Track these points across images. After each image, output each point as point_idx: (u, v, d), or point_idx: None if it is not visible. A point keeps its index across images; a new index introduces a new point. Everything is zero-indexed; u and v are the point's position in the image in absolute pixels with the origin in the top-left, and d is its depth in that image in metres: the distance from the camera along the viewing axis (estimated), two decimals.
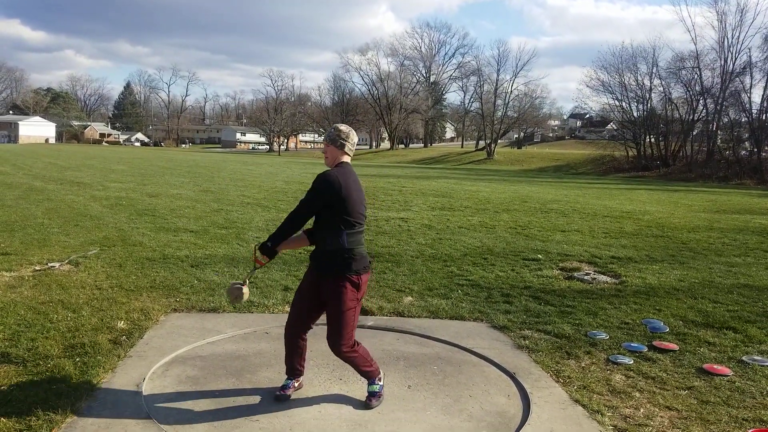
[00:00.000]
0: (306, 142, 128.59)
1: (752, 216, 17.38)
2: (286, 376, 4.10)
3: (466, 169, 57.25)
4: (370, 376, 3.99)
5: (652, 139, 58.61)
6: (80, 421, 3.51)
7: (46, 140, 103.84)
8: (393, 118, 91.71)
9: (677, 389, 4.40)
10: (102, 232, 10.12)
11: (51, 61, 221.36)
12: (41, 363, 4.29)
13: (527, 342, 5.30)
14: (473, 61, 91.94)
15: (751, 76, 51.24)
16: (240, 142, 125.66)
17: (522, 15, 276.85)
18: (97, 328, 5.16)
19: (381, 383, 4.04)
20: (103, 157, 44.83)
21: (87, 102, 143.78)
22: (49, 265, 7.42)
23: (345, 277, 3.72)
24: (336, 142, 3.85)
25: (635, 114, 61.04)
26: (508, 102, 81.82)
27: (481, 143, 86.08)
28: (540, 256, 9.32)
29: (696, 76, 54.62)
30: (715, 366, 4.86)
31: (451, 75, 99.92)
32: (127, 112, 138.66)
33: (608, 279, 7.98)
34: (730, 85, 52.12)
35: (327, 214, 3.72)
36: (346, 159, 3.88)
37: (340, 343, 3.76)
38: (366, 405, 3.92)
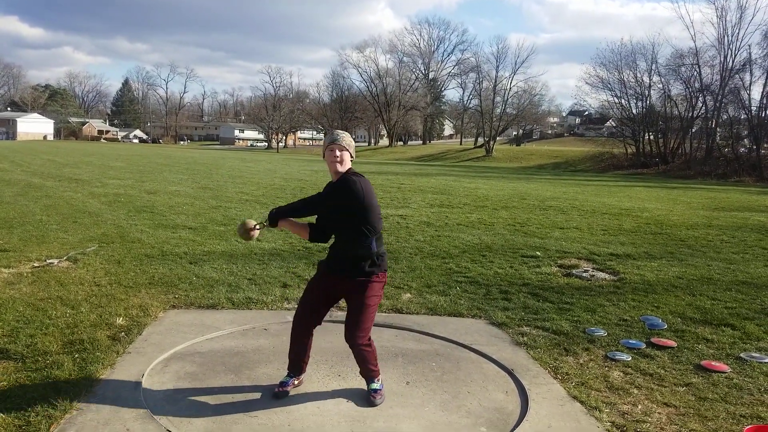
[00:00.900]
0: (304, 139, 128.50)
1: (751, 213, 17.40)
2: (286, 372, 4.11)
3: (464, 166, 57.27)
4: (373, 376, 3.99)
5: (651, 137, 58.59)
6: (79, 417, 3.51)
7: (45, 137, 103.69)
8: (391, 115, 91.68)
9: (675, 386, 4.41)
10: (100, 228, 10.11)
11: (49, 57, 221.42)
12: (40, 359, 4.30)
13: (525, 338, 5.31)
14: (472, 57, 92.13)
15: (750, 73, 51.18)
16: (238, 139, 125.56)
17: (521, 12, 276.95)
18: (96, 324, 5.17)
19: (381, 384, 4.05)
20: (101, 154, 44.79)
21: (85, 99, 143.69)
22: (48, 261, 7.42)
23: (374, 277, 3.85)
24: (351, 147, 3.90)
25: (634, 111, 61.01)
26: (507, 99, 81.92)
27: (480, 140, 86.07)
28: (538, 253, 9.32)
29: (695, 73, 54.62)
30: (713, 363, 4.87)
31: (450, 72, 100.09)
32: (125, 108, 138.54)
33: (607, 276, 7.98)
34: (730, 82, 52.03)
35: (349, 220, 3.78)
36: (349, 165, 3.90)
37: (359, 335, 3.80)
38: (370, 402, 3.91)
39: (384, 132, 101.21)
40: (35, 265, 7.26)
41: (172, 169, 28.96)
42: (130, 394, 3.84)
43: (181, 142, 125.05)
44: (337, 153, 3.80)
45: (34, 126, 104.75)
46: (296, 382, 4.11)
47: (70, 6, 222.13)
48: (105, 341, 4.76)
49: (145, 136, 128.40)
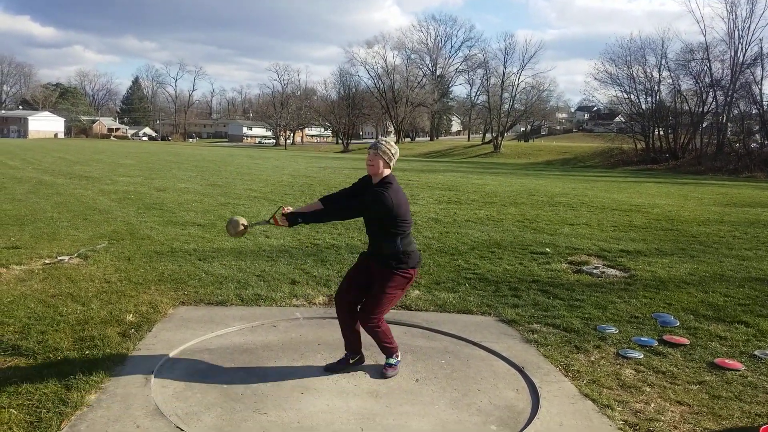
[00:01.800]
0: (312, 136, 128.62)
1: (763, 209, 17.24)
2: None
3: (472, 162, 57.12)
4: (390, 352, 4.30)
5: (661, 132, 58.14)
6: (90, 414, 3.51)
7: (55, 135, 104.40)
8: (399, 112, 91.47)
9: (688, 384, 4.36)
10: (111, 225, 10.15)
11: (60, 56, 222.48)
12: (51, 356, 4.31)
13: (536, 336, 5.27)
14: (480, 54, 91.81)
15: (762, 67, 50.69)
16: (246, 136, 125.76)
17: (527, 8, 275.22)
18: (107, 321, 5.18)
19: (399, 359, 4.37)
20: (111, 152, 45.00)
21: (95, 97, 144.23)
22: (59, 258, 7.45)
23: (399, 270, 4.12)
24: (386, 155, 4.11)
25: (644, 106, 60.56)
26: (515, 95, 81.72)
27: (488, 136, 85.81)
28: (548, 249, 9.27)
29: (705, 68, 54.14)
30: (726, 360, 4.82)
31: (457, 68, 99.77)
32: (134, 106, 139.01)
33: (617, 273, 7.93)
34: (741, 77, 51.55)
35: (377, 223, 4.11)
36: (388, 171, 4.15)
37: (369, 317, 4.10)
38: (382, 374, 4.25)
39: (391, 128, 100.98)
40: (46, 262, 7.29)
41: (181, 166, 29.05)
42: (139, 391, 3.84)
43: (190, 140, 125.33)
44: (370, 158, 4.10)
45: (45, 124, 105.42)
46: (351, 361, 4.40)
47: (81, 5, 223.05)
48: (115, 338, 4.77)
49: (154, 134, 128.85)
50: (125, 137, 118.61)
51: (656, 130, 58.33)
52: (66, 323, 5.05)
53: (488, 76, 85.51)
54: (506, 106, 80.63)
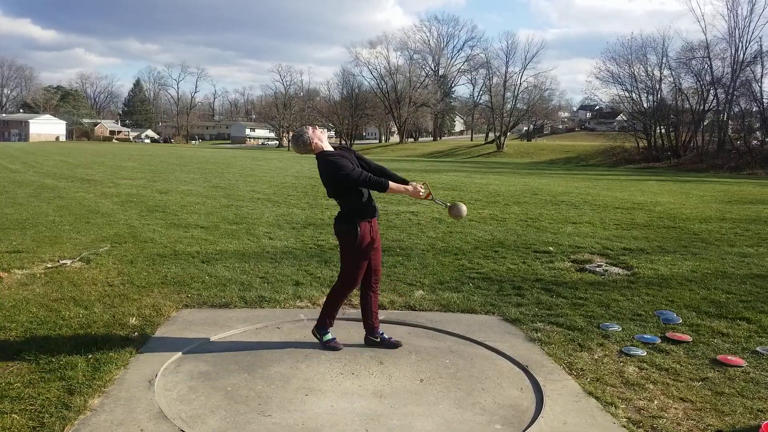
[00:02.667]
0: None
1: (765, 206, 17.22)
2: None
3: (475, 162, 57.10)
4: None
5: (663, 130, 58.09)
6: (93, 418, 3.52)
7: (57, 138, 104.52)
8: (402, 112, 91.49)
9: (691, 381, 4.36)
10: (113, 228, 10.16)
11: (61, 59, 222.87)
12: (54, 360, 4.30)
13: (539, 335, 5.27)
14: (482, 53, 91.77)
15: (762, 65, 50.68)
16: (249, 137, 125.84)
17: (529, 8, 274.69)
18: (109, 324, 5.18)
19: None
20: (113, 154, 45.07)
21: (97, 100, 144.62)
22: (61, 262, 7.46)
23: None
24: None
25: (645, 105, 60.51)
26: (518, 94, 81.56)
27: (491, 136, 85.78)
28: (551, 248, 9.27)
29: (706, 66, 54.09)
30: (729, 357, 4.81)
31: (459, 68, 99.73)
32: (136, 109, 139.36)
33: (620, 270, 7.92)
34: (741, 75, 51.56)
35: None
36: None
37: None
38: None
39: (395, 129, 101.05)
40: (48, 265, 7.30)
41: (183, 168, 29.08)
42: (143, 394, 3.85)
43: (193, 142, 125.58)
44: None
45: (47, 127, 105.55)
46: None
47: (82, 7, 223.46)
48: (118, 341, 4.77)
49: (156, 136, 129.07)
50: (127, 140, 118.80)
51: (658, 128, 58.27)
52: (68, 327, 5.06)
53: (490, 75, 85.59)
54: (509, 106, 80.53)
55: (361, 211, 4.63)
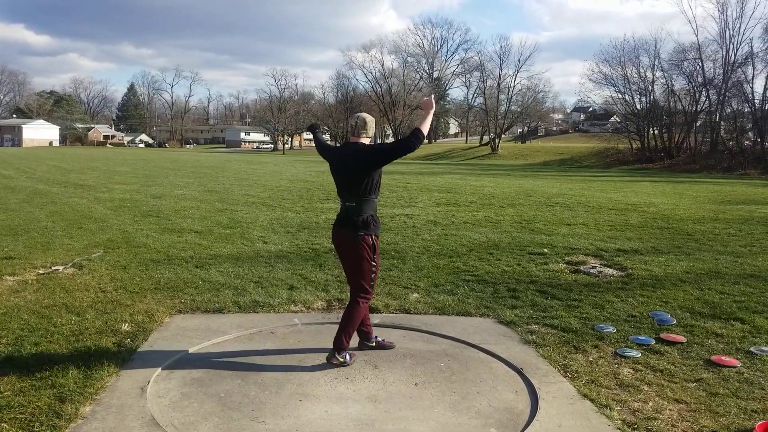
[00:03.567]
0: (310, 140, 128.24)
1: (757, 206, 17.28)
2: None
3: (470, 164, 57.17)
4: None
5: (656, 131, 58.38)
6: (84, 426, 3.48)
7: (50, 143, 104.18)
8: (397, 115, 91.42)
9: (686, 382, 4.36)
10: (106, 234, 10.11)
11: (55, 64, 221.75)
12: (45, 368, 4.26)
13: (534, 337, 5.26)
14: (476, 56, 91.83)
15: (753, 66, 51.14)
16: (244, 141, 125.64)
17: (521, 10, 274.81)
18: (102, 331, 5.15)
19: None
20: (107, 159, 44.92)
21: (91, 104, 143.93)
22: (53, 268, 7.41)
23: None
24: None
25: (638, 106, 60.78)
26: (511, 97, 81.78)
27: (485, 138, 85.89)
28: (546, 250, 9.27)
29: (698, 68, 54.49)
30: (723, 357, 4.81)
31: (453, 71, 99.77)
32: (131, 113, 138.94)
33: (614, 272, 7.93)
34: (733, 76, 51.92)
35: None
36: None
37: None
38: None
39: (389, 132, 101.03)
40: (40, 272, 7.26)
41: (178, 173, 29.01)
42: (135, 402, 3.82)
43: (187, 146, 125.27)
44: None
45: (40, 132, 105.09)
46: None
47: (76, 12, 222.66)
48: (110, 348, 4.74)
49: (151, 141, 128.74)
50: (121, 144, 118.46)
51: (651, 129, 58.56)
52: (60, 334, 5.02)
53: (484, 78, 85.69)
54: (503, 108, 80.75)
55: (376, 213, 4.61)
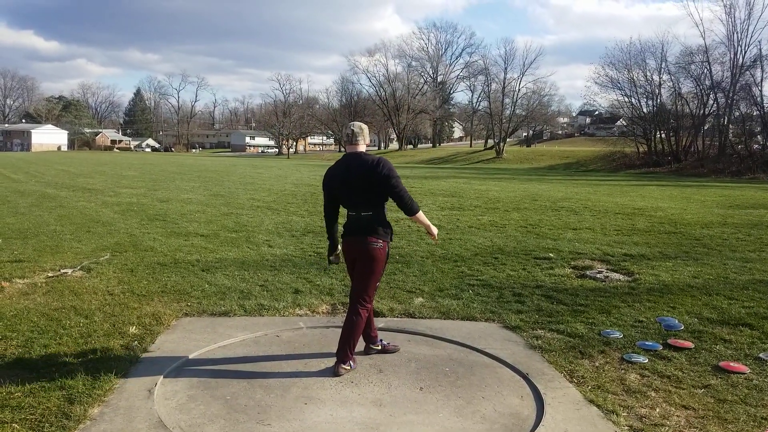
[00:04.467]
0: (315, 144, 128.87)
1: (766, 210, 17.19)
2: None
3: (475, 168, 57.09)
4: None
5: (663, 135, 58.00)
6: (93, 428, 3.51)
7: (59, 148, 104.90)
8: (401, 119, 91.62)
9: (693, 388, 4.34)
10: (113, 237, 10.16)
11: (63, 69, 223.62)
12: (54, 369, 4.29)
13: (540, 342, 5.25)
14: (480, 60, 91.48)
15: (761, 69, 50.59)
16: (249, 145, 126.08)
17: (526, 14, 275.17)
18: (110, 333, 5.18)
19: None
20: (114, 164, 45.13)
21: (98, 109, 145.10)
22: (62, 271, 7.46)
23: None
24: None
25: (645, 110, 60.42)
26: (516, 100, 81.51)
27: (490, 142, 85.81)
28: (551, 254, 9.25)
29: (706, 71, 54.05)
30: (731, 364, 4.79)
31: (458, 75, 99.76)
32: (137, 118, 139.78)
33: (621, 277, 7.91)
34: (741, 79, 51.50)
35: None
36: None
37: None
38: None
39: (394, 136, 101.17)
40: (49, 275, 7.30)
41: (184, 177, 29.11)
42: (143, 404, 3.84)
43: (193, 150, 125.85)
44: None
45: (48, 137, 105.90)
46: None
47: (84, 19, 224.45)
48: (118, 350, 4.77)
49: (157, 145, 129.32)
50: (128, 149, 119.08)
51: (658, 133, 58.21)
52: (69, 336, 5.05)
53: (489, 82, 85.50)
54: (508, 112, 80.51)
55: (387, 221, 4.62)
